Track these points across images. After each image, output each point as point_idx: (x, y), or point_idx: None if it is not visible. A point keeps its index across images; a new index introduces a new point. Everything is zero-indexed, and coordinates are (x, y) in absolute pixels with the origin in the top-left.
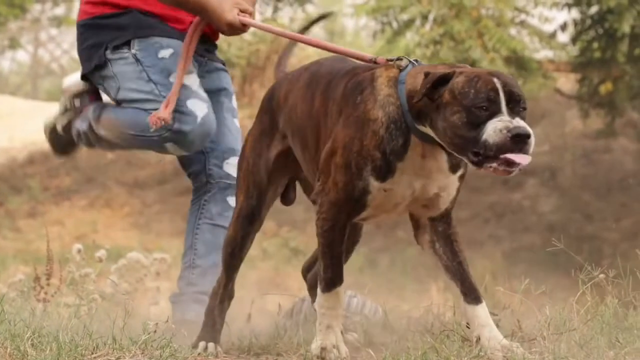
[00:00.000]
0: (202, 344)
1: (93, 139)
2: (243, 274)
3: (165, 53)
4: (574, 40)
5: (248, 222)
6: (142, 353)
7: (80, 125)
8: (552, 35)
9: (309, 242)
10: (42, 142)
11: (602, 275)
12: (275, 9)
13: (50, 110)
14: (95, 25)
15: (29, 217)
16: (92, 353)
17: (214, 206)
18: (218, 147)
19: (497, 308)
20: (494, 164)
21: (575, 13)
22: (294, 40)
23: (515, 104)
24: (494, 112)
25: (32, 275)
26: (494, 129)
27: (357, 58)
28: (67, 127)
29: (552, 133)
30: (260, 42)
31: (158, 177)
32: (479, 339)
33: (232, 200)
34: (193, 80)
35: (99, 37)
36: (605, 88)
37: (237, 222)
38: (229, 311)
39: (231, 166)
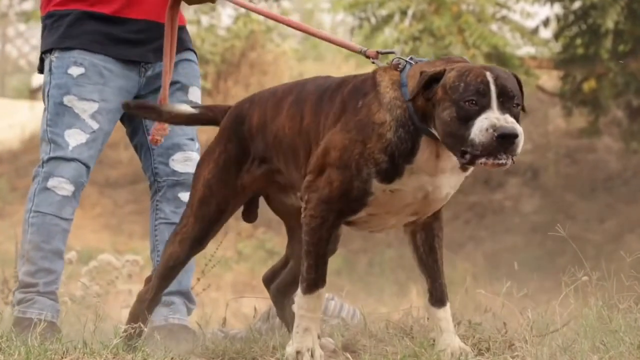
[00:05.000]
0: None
1: None
2: (218, 275)
3: (75, 71)
4: (556, 36)
5: (196, 245)
6: (114, 357)
7: None
8: (534, 31)
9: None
10: (9, 141)
11: (585, 278)
12: None
13: (18, 108)
14: (43, 24)
15: None
16: (62, 357)
17: (167, 205)
18: (162, 144)
19: (479, 311)
20: (483, 159)
21: (557, 8)
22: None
23: (507, 100)
24: (484, 107)
25: None
26: (480, 128)
27: (346, 47)
28: None
29: (534, 132)
30: (234, 38)
31: (130, 176)
32: (435, 341)
33: (183, 196)
34: (89, 107)
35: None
36: (588, 85)
37: (184, 242)
38: (203, 314)
39: (177, 162)
